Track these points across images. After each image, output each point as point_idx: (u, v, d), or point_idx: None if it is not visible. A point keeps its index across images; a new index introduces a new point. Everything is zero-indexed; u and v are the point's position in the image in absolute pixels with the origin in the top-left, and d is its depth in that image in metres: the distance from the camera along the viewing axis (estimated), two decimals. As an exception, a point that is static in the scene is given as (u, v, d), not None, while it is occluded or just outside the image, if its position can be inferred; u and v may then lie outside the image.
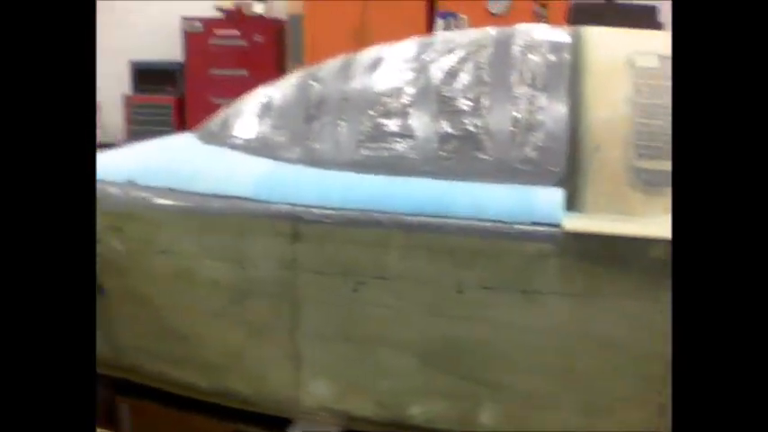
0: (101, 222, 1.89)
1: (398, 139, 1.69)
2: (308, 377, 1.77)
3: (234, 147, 1.89)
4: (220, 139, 1.95)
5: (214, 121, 2.06)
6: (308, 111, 1.84)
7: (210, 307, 1.82)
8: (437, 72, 1.76)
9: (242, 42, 6.56)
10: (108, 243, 1.89)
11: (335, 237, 1.65)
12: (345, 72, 1.90)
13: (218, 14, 6.65)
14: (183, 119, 6.71)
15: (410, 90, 1.75)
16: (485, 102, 1.68)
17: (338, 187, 1.68)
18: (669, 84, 1.52)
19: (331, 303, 1.70)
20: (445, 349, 1.66)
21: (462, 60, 1.76)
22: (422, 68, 1.78)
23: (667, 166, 1.53)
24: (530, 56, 1.72)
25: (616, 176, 1.56)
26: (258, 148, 1.85)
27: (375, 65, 1.87)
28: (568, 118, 1.61)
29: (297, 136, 1.81)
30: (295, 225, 1.67)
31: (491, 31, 1.86)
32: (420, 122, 1.70)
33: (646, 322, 1.52)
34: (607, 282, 1.52)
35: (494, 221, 1.56)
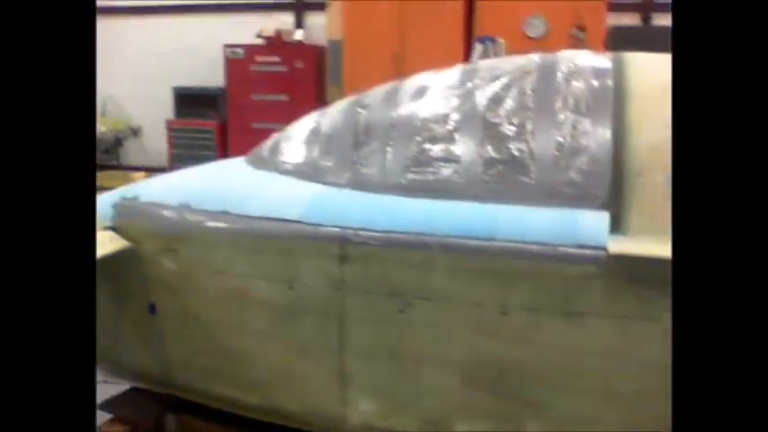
0: (155, 244, 1.98)
1: (444, 164, 1.74)
2: (355, 395, 1.81)
3: (284, 171, 1.97)
4: (271, 164, 2.02)
5: (264, 147, 2.13)
6: (356, 137, 1.90)
7: (261, 326, 1.87)
8: (482, 98, 1.80)
9: (282, 68, 6.71)
10: (162, 264, 1.97)
11: (382, 258, 1.70)
12: (392, 99, 1.95)
13: (259, 41, 6.82)
14: (224, 143, 6.89)
15: (455, 116, 1.80)
16: (529, 127, 1.72)
17: (385, 210, 1.73)
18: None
19: (377, 323, 1.74)
20: (489, 369, 1.69)
21: (506, 86, 1.80)
22: (467, 95, 1.83)
23: None
24: (573, 82, 1.76)
25: (659, 199, 1.58)
26: (307, 172, 1.91)
27: (421, 92, 1.92)
28: (612, 142, 1.64)
29: (345, 161, 1.87)
30: (343, 247, 1.72)
31: (535, 57, 1.90)
32: (465, 147, 1.74)
33: None
34: (650, 304, 1.54)
35: (538, 244, 1.58)
